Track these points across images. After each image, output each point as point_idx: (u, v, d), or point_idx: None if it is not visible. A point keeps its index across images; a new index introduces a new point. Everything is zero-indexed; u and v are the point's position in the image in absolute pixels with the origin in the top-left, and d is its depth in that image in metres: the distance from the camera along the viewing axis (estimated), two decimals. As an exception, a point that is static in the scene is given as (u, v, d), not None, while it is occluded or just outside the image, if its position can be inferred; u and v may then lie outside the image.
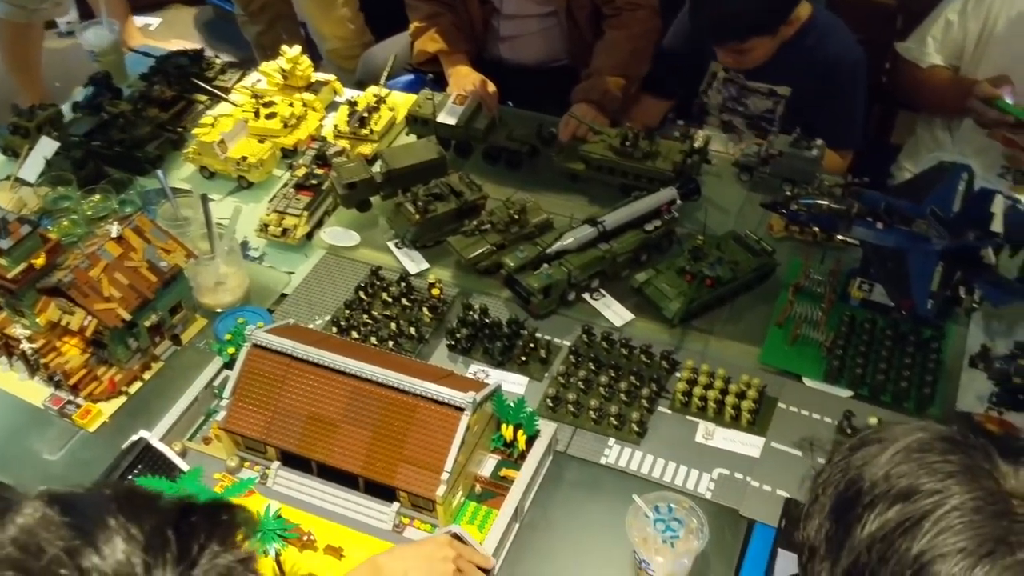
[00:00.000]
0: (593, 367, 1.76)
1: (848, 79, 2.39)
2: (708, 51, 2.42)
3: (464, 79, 2.45)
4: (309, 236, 2.12)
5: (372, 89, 2.50)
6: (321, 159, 2.23)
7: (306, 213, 2.11)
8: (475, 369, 1.80)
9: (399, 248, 2.07)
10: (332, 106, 2.53)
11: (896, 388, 1.70)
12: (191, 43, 3.13)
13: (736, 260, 1.90)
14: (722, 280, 1.86)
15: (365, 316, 1.87)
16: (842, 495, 0.86)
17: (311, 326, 1.88)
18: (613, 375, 1.74)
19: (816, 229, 1.92)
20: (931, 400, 1.68)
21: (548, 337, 1.84)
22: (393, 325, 1.84)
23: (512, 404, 1.58)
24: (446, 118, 2.29)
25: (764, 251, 1.94)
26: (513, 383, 1.77)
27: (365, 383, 1.52)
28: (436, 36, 2.55)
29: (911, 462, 0.83)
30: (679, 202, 2.01)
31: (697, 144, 2.16)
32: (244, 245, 2.12)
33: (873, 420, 1.60)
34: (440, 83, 2.55)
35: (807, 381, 1.75)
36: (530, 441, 1.58)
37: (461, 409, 1.46)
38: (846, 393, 1.72)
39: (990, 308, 1.80)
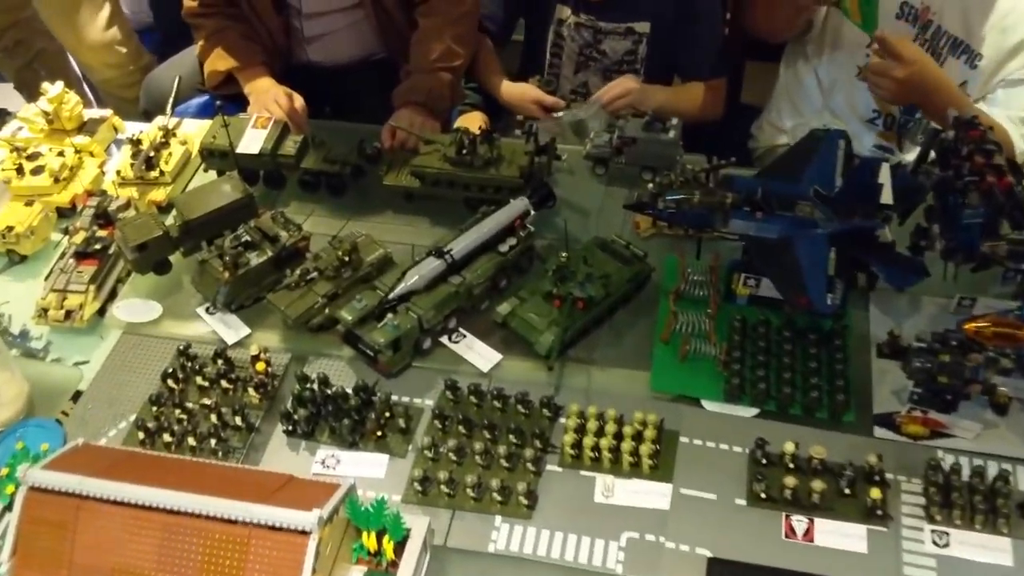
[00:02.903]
0: (464, 430, 1.49)
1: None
2: None
3: (264, 96, 2.11)
4: (101, 313, 1.76)
5: (158, 121, 2.12)
6: (103, 217, 1.85)
7: (92, 287, 1.75)
8: (323, 455, 1.49)
9: (211, 314, 1.72)
10: (117, 145, 2.15)
11: (806, 399, 1.49)
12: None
13: (607, 273, 1.65)
14: (595, 300, 1.61)
15: (178, 411, 1.53)
16: None
17: (113, 433, 1.53)
18: (489, 437, 1.47)
19: (687, 223, 1.70)
20: (846, 407, 1.48)
21: (406, 399, 1.56)
22: (213, 416, 1.51)
23: (370, 507, 1.28)
24: (248, 147, 1.94)
25: (636, 257, 1.71)
26: (371, 465, 1.48)
27: (180, 517, 1.20)
28: (225, 53, 2.18)
29: None
30: (533, 213, 1.75)
31: (542, 140, 1.90)
32: (23, 336, 1.74)
33: (790, 447, 1.39)
34: (242, 105, 2.18)
35: (707, 404, 1.53)
36: (400, 545, 1.30)
37: (306, 533, 1.16)
38: (751, 412, 1.51)
39: (886, 285, 1.63)
